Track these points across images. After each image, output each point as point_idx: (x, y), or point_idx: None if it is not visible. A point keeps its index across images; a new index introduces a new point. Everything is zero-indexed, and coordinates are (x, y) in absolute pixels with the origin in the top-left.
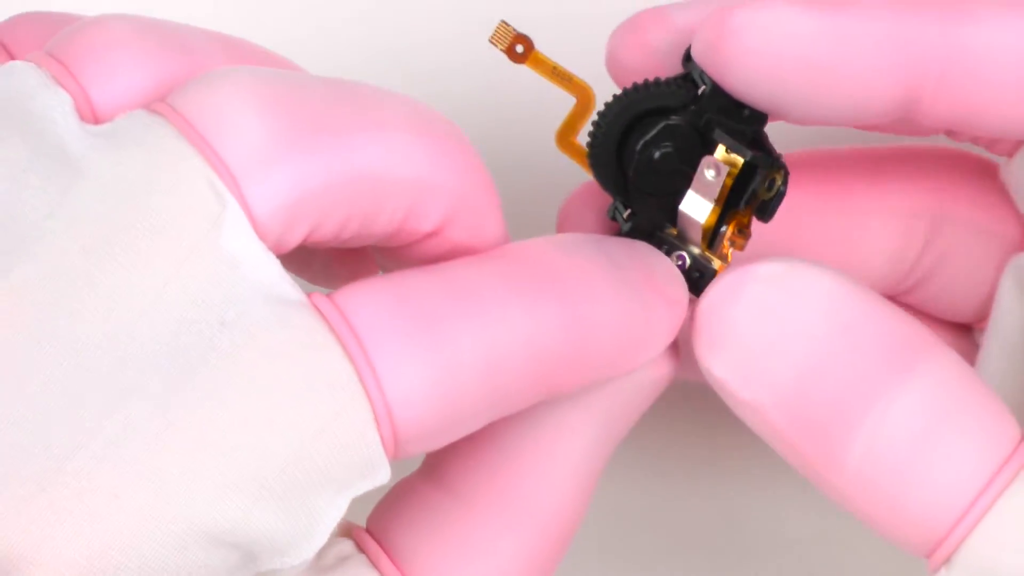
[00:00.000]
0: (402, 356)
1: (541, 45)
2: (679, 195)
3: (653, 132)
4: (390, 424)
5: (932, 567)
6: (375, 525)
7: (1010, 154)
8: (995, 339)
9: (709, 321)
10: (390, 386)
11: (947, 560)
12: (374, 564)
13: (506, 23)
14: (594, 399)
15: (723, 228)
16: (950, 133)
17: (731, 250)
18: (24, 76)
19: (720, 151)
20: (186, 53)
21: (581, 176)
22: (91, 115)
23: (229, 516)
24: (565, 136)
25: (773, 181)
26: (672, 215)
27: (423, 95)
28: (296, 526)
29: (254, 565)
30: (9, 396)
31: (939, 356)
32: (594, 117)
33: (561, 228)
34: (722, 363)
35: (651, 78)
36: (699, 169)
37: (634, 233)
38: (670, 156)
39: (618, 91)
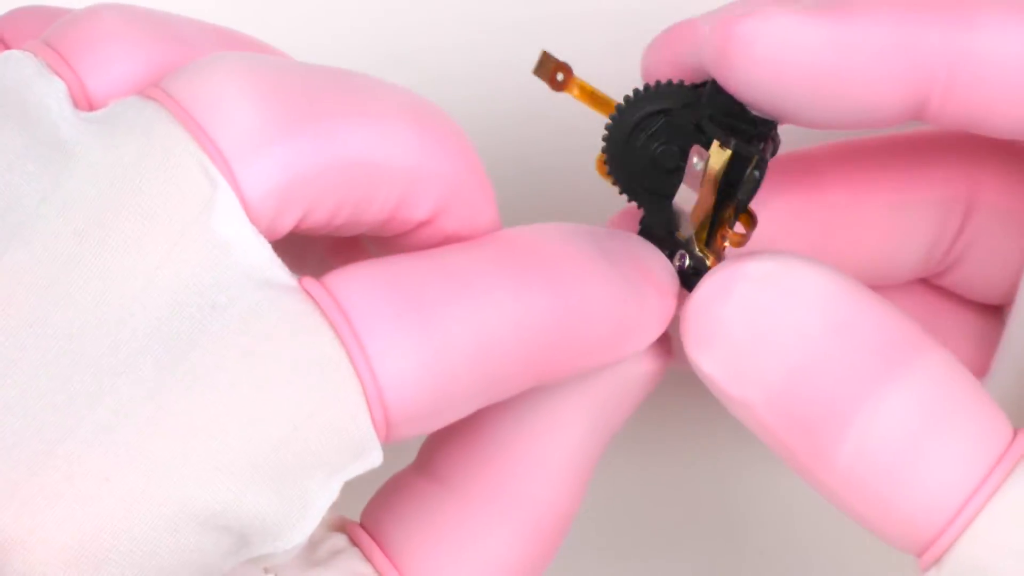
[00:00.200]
0: (393, 338)
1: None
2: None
3: (653, 128)
4: (381, 406)
5: (923, 566)
6: (369, 519)
7: None
8: (1018, 320)
9: (699, 318)
10: (381, 368)
11: (937, 560)
12: (367, 557)
13: (548, 53)
14: (587, 389)
15: (716, 222)
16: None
17: (727, 245)
18: (20, 65)
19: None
20: (180, 42)
21: (583, 179)
22: (86, 103)
23: (221, 499)
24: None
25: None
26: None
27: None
28: (288, 509)
29: (247, 550)
30: (0, 380)
31: (932, 355)
32: (607, 122)
33: None
34: (711, 360)
35: (663, 80)
36: (688, 159)
37: (643, 235)
38: (671, 153)
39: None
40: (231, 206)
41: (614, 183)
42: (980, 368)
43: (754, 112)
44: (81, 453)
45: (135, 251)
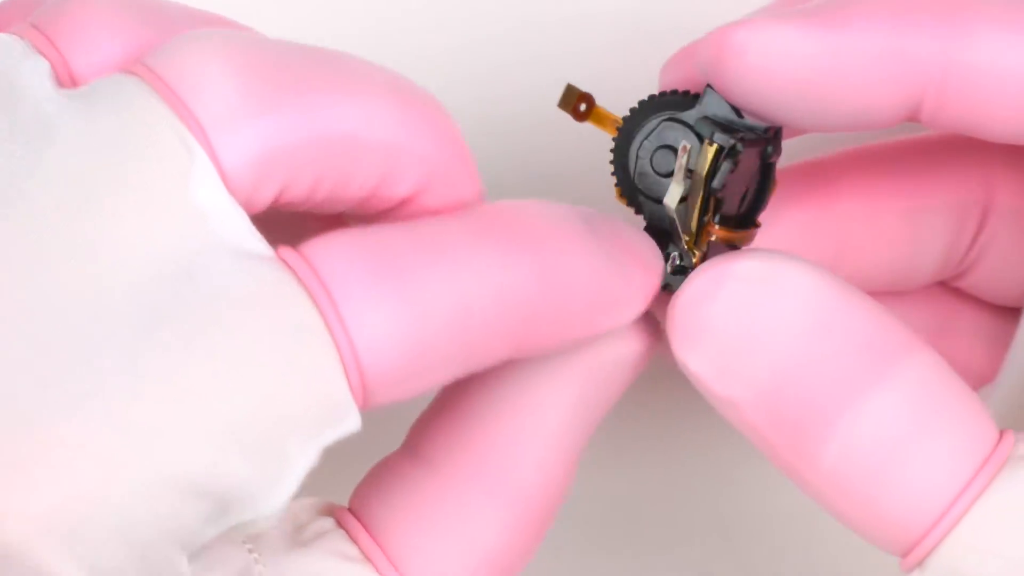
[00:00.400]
0: (369, 303)
1: (548, 49)
2: None
3: (651, 133)
4: (358, 371)
5: (905, 567)
6: (356, 502)
7: None
8: None
9: (685, 316)
10: (358, 334)
11: (921, 562)
12: (353, 539)
13: (572, 85)
14: (571, 367)
15: (705, 220)
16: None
17: (712, 240)
18: (8, 49)
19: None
20: (167, 23)
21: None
22: (71, 83)
23: (198, 465)
24: None
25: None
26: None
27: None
28: (266, 474)
29: (225, 517)
30: None
31: (919, 356)
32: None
33: None
34: (698, 358)
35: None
36: (677, 158)
37: None
38: (667, 158)
39: None
40: (209, 176)
41: (636, 212)
42: (996, 369)
43: (750, 118)
44: (58, 421)
45: (113, 221)
